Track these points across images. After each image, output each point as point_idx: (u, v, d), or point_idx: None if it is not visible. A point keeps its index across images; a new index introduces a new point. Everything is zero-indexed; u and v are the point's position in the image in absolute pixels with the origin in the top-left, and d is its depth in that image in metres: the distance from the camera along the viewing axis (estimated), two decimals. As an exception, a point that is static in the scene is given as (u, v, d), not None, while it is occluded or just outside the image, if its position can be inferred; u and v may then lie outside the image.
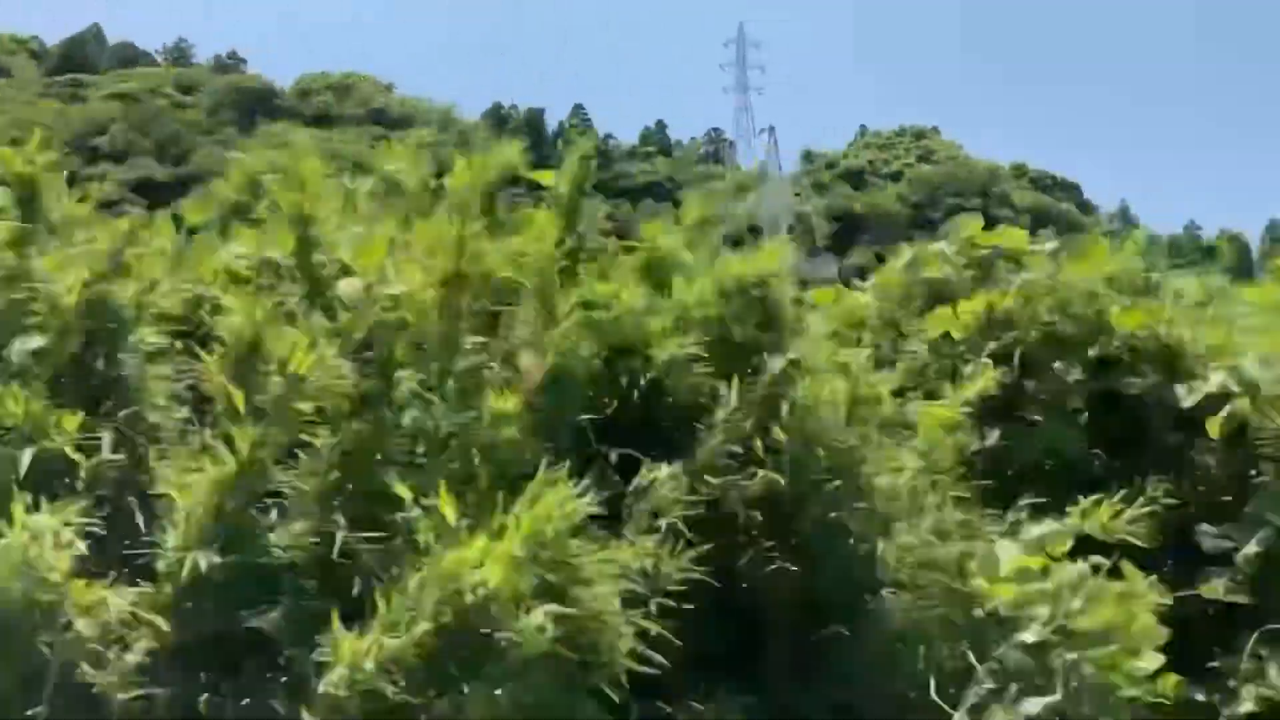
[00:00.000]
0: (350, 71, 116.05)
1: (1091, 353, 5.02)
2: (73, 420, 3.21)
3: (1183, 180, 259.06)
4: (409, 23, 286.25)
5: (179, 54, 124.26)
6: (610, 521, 3.37)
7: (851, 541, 3.58)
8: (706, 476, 3.71)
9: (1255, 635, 3.98)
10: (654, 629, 3.05)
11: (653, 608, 3.12)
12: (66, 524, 2.85)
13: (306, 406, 3.23)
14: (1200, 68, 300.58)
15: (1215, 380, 4.62)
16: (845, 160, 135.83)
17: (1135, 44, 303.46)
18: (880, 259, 6.48)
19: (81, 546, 2.84)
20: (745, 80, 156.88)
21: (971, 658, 3.33)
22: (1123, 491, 3.76)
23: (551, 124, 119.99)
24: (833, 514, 3.58)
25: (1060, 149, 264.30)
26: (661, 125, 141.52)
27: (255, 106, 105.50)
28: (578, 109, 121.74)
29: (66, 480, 3.12)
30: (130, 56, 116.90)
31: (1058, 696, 3.16)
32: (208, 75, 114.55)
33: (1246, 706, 3.92)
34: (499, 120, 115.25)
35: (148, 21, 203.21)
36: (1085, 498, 3.74)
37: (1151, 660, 3.27)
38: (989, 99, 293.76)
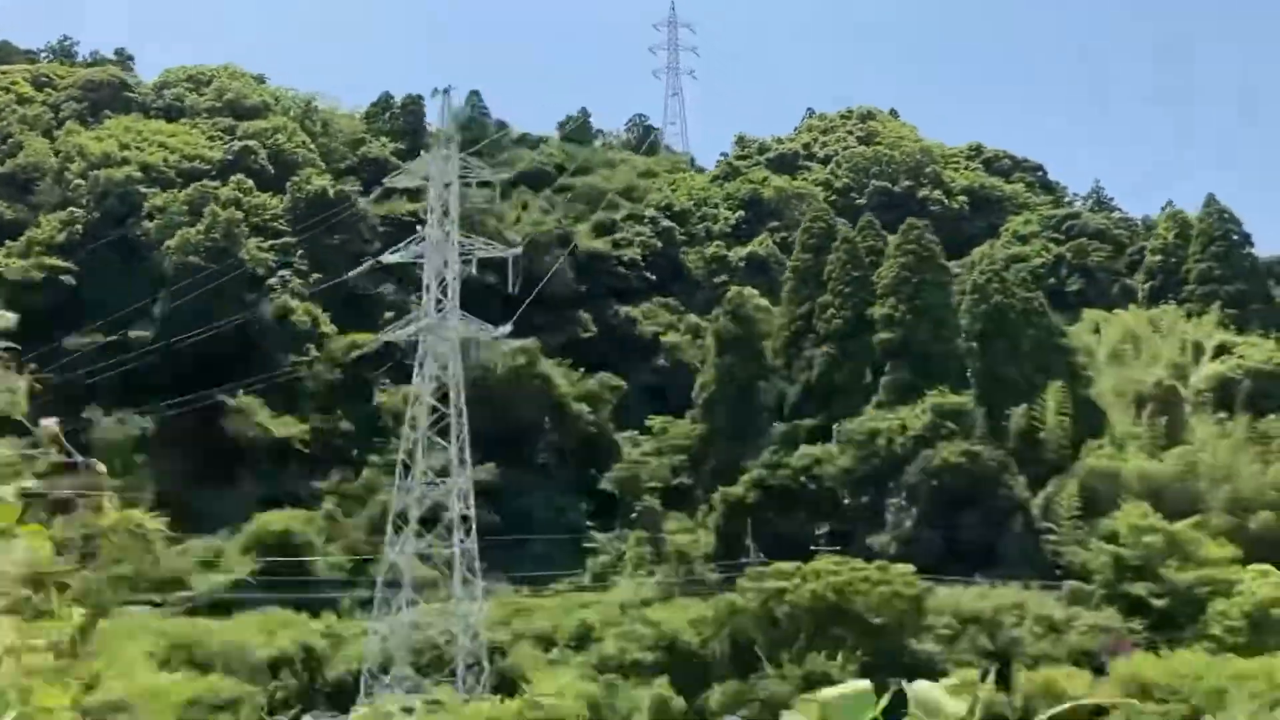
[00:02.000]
0: (228, 64, 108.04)
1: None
2: None
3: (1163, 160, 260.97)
4: (330, 13, 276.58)
5: (63, 51, 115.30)
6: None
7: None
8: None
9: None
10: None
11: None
12: None
13: None
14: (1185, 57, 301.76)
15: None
16: (780, 145, 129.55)
17: (1121, 35, 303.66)
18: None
19: None
20: (677, 64, 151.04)
21: None
22: None
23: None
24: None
25: (1036, 132, 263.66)
26: (584, 113, 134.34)
27: (109, 101, 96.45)
28: (473, 95, 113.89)
29: None
30: (4, 54, 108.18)
31: None
32: (70, 71, 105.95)
33: None
34: (384, 108, 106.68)
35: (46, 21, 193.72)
36: None
37: None
38: (957, 81, 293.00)
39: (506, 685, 43.08)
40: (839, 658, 42.98)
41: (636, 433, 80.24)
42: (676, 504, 73.72)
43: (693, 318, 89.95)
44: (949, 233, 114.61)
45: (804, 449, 70.97)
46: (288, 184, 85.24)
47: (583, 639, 47.92)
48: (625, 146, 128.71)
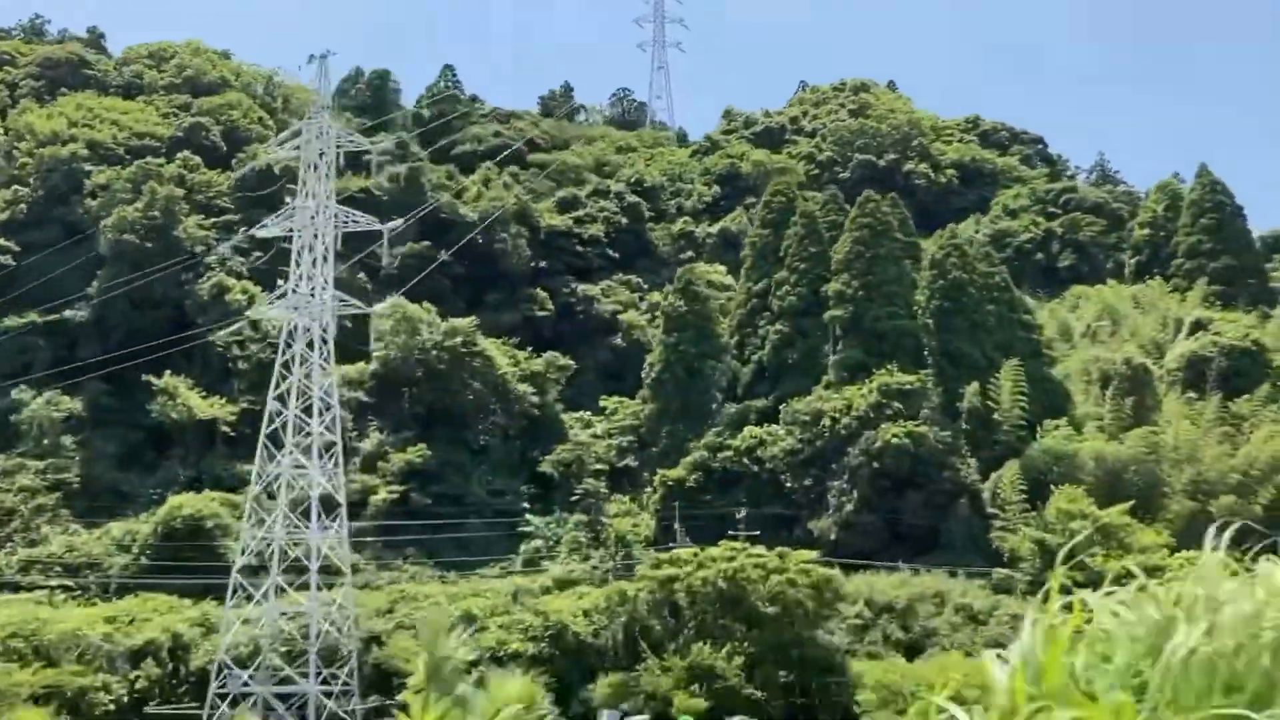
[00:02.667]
0: (191, 40, 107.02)
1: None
2: None
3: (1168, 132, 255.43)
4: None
5: (33, 30, 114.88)
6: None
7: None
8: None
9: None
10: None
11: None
12: None
13: None
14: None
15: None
16: (769, 119, 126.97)
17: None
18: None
19: None
20: (664, 36, 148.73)
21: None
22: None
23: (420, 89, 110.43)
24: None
25: (1041, 106, 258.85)
26: (567, 87, 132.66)
27: (67, 79, 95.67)
28: (446, 70, 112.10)
29: None
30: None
31: None
32: (32, 49, 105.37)
33: None
34: (354, 83, 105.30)
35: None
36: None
37: None
38: (959, 54, 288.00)
39: (380, 677, 41.65)
40: (725, 649, 41.13)
41: (589, 414, 78.54)
42: (622, 487, 72.06)
43: (657, 296, 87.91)
44: (936, 207, 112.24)
45: (749, 430, 68.97)
46: (234, 160, 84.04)
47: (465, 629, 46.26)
48: (609, 122, 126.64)
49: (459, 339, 71.32)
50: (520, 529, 66.20)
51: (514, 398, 72.27)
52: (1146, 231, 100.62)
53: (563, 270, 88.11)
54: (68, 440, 67.40)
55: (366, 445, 68.22)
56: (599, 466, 72.12)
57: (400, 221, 61.58)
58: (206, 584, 54.38)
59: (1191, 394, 72.73)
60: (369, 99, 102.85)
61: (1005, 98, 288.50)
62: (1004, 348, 71.35)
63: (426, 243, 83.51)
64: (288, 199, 56.93)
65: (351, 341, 75.35)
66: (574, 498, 69.01)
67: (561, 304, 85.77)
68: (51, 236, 77.73)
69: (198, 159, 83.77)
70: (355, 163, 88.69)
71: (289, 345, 52.95)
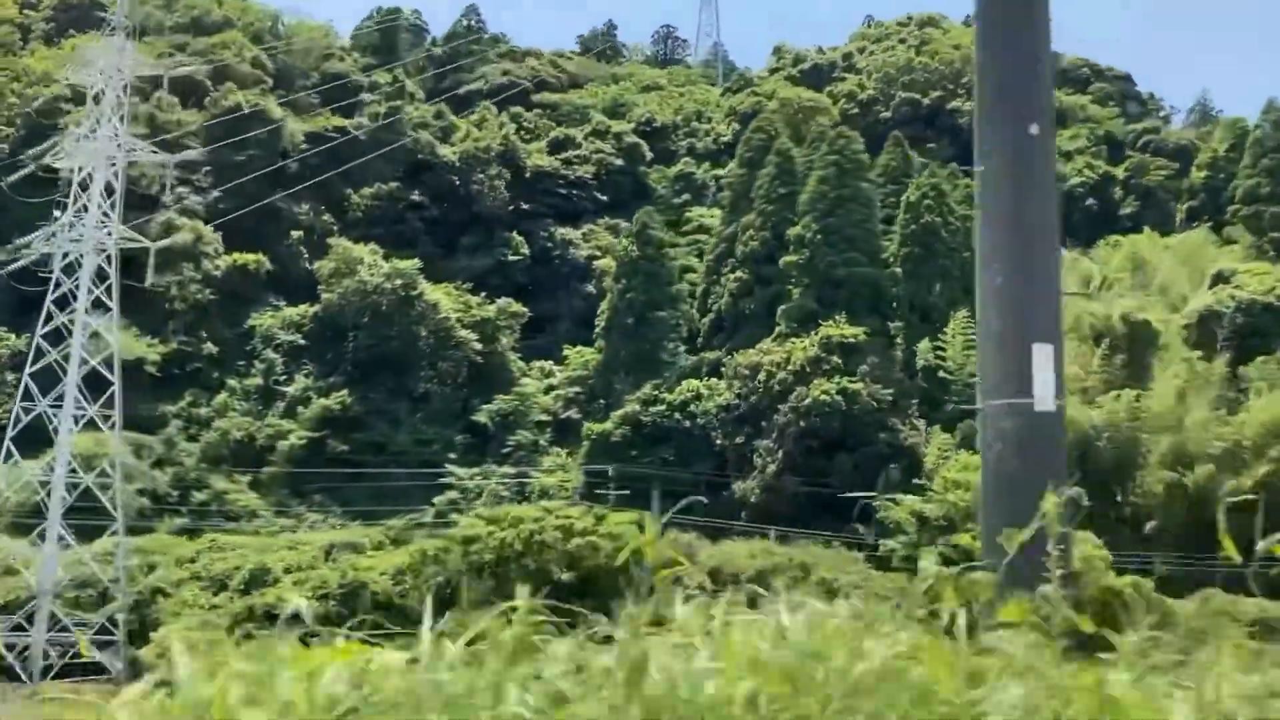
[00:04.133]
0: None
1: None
2: None
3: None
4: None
5: None
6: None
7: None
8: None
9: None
10: None
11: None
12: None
13: None
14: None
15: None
16: (821, 56, 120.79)
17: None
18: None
19: None
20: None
21: None
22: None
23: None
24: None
25: (1145, 45, 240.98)
26: (610, 26, 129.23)
27: (77, 21, 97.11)
28: (469, 9, 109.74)
29: None
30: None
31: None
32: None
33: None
34: (381, 22, 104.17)
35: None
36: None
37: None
38: None
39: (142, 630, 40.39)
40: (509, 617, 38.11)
41: (553, 364, 75.82)
42: (566, 440, 69.29)
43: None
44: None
45: (687, 383, 65.19)
46: (205, 100, 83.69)
47: (253, 583, 44.53)
48: (649, 61, 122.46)
49: (399, 282, 69.34)
50: (442, 480, 64.24)
51: (456, 344, 70.06)
52: (1204, 174, 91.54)
53: (547, 213, 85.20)
54: None
55: (292, 390, 67.16)
56: (543, 418, 69.52)
57: (194, 153, 59.61)
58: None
59: (1200, 354, 65.52)
60: (377, 38, 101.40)
61: (1110, 34, 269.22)
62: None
63: (395, 184, 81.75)
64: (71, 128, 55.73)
65: (302, 284, 74.54)
66: (505, 450, 66.68)
67: (539, 248, 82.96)
68: (28, 178, 78.83)
69: (173, 99, 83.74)
70: (340, 102, 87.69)
71: (71, 279, 51.68)
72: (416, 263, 71.62)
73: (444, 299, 71.64)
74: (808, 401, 58.82)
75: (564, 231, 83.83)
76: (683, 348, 71.30)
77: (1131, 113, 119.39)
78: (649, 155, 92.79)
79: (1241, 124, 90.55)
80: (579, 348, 75.41)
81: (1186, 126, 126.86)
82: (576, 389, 70.73)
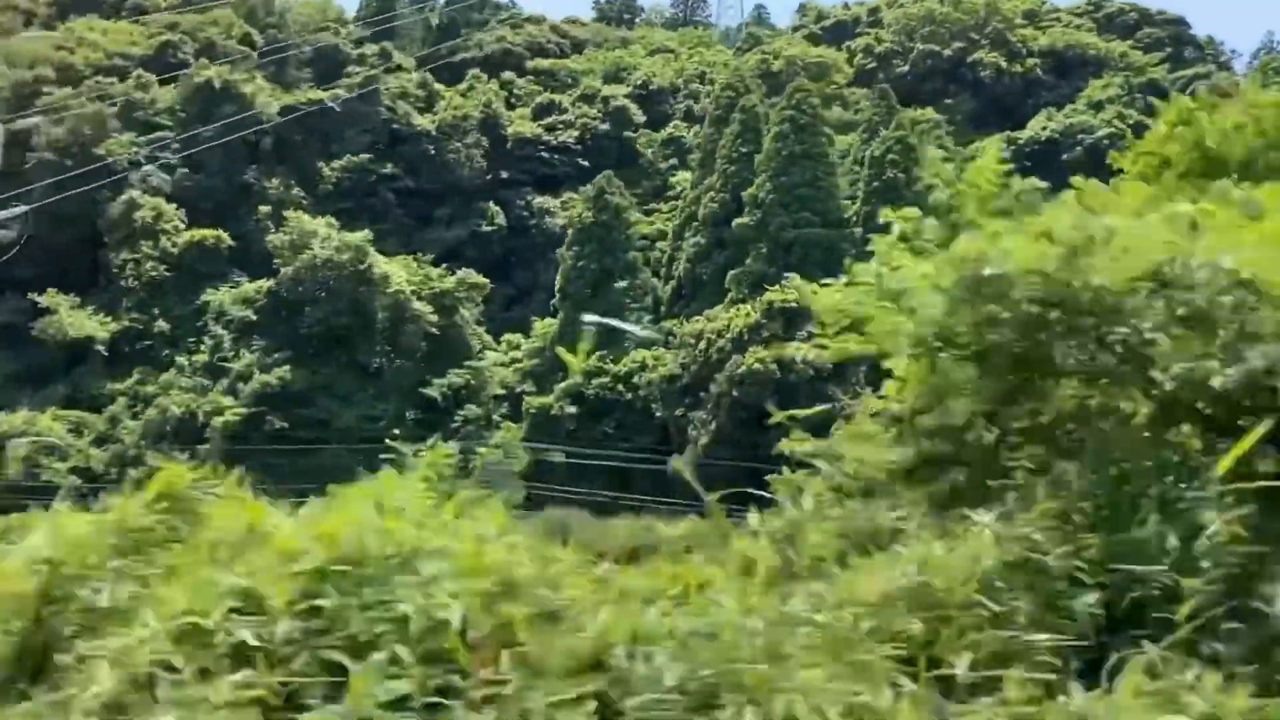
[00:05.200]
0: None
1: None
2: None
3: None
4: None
5: None
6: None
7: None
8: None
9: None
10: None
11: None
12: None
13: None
14: None
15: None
16: (846, 11, 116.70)
17: None
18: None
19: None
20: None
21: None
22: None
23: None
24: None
25: None
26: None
27: (82, 3, 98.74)
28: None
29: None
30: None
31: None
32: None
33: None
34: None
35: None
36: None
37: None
38: None
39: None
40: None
41: (521, 336, 74.29)
42: (518, 415, 67.75)
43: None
44: (1012, 101, 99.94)
45: (636, 353, 63.04)
46: (180, 76, 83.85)
47: None
48: (668, 24, 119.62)
49: (346, 255, 68.44)
50: (383, 456, 63.13)
51: (411, 318, 68.95)
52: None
53: (526, 182, 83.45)
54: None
55: (238, 366, 66.88)
56: (500, 392, 68.12)
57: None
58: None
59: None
60: (375, 9, 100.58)
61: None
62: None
63: (367, 155, 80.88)
64: None
65: (267, 259, 74.32)
66: (454, 425, 65.43)
67: (516, 218, 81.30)
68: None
69: (150, 76, 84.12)
70: (331, 76, 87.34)
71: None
72: (368, 234, 70.63)
73: (399, 271, 70.57)
74: (742, 370, 56.22)
75: (542, 200, 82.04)
76: (647, 317, 69.07)
77: (1189, 58, 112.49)
78: (641, 119, 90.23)
79: (1276, 63, 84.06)
80: (547, 320, 73.76)
81: (1252, 72, 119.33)
82: (536, 362, 69.10)
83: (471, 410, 65.79)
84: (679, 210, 71.95)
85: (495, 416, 66.90)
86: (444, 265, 77.83)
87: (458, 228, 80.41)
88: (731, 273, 62.91)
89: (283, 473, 62.53)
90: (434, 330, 69.69)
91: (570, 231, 70.33)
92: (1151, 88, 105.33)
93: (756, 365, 55.76)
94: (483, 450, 43.10)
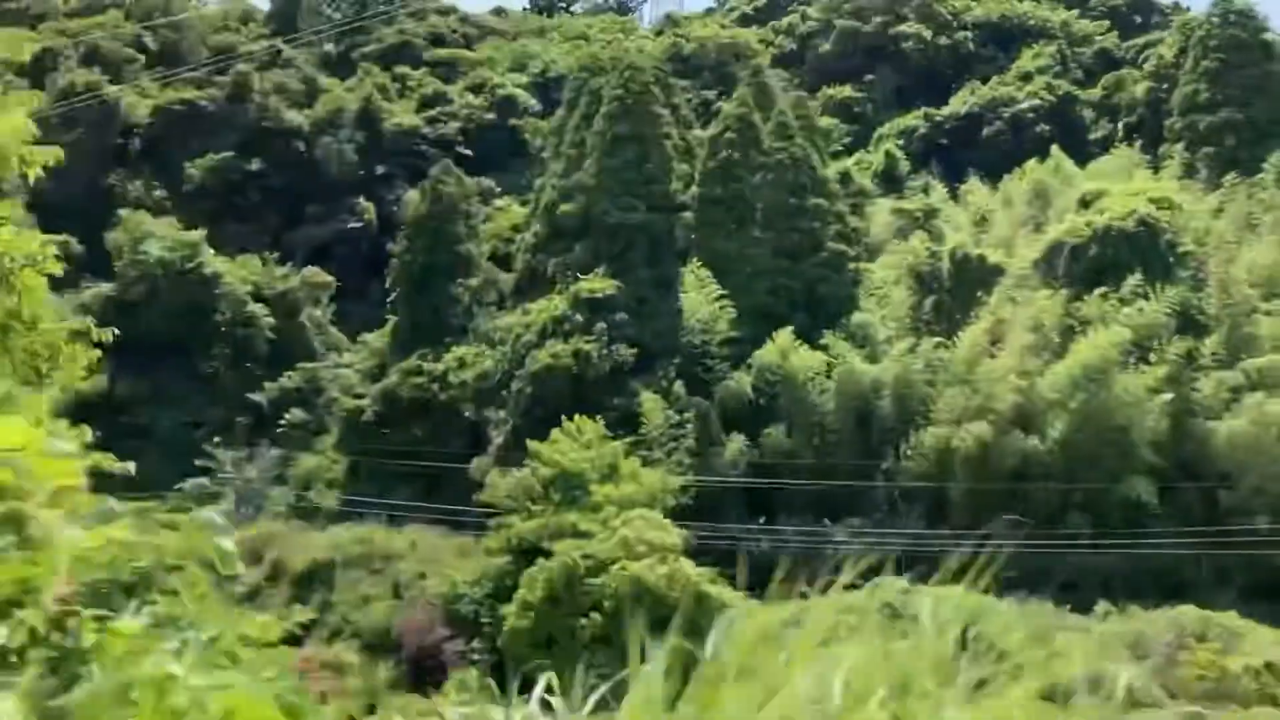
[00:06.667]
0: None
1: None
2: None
3: None
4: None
5: None
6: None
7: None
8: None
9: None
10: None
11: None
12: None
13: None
14: None
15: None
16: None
17: None
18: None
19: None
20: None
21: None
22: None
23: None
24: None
25: None
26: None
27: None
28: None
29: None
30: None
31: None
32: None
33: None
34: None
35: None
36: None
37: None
38: None
39: None
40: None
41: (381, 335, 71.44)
42: (355, 418, 64.86)
43: (507, 200, 78.73)
44: (943, 77, 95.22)
45: (455, 352, 59.91)
46: (45, 80, 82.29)
47: None
48: (599, 13, 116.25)
49: (178, 255, 66.13)
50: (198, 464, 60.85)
51: (242, 321, 66.48)
52: (1147, 85, 79.99)
53: (402, 176, 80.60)
54: None
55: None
56: (336, 395, 65.35)
57: None
58: None
59: (1048, 294, 56.16)
60: (278, 5, 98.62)
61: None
62: (793, 248, 57.84)
63: (229, 153, 78.62)
64: None
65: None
66: (279, 430, 62.88)
67: (389, 213, 78.49)
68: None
69: (23, 82, 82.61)
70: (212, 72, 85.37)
71: None
72: (202, 233, 68.26)
73: (236, 271, 68.13)
74: (537, 367, 52.83)
75: (413, 194, 79.08)
76: (495, 311, 65.88)
77: (1154, 24, 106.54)
78: (538, 108, 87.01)
79: (1190, 23, 78.46)
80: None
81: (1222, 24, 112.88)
82: (374, 362, 66.23)
83: (297, 415, 63.08)
84: (531, 200, 68.65)
85: (327, 420, 64.15)
86: (312, 264, 75.52)
87: (327, 225, 77.90)
88: (553, 261, 59.50)
89: (98, 483, 60.61)
90: (269, 333, 67.17)
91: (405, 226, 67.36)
92: (1102, 57, 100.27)
93: (549, 360, 52.34)
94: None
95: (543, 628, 34.08)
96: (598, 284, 55.08)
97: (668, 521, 37.67)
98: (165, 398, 65.16)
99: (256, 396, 64.23)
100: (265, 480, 59.79)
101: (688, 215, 59.58)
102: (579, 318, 53.95)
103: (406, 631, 37.48)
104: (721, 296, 54.30)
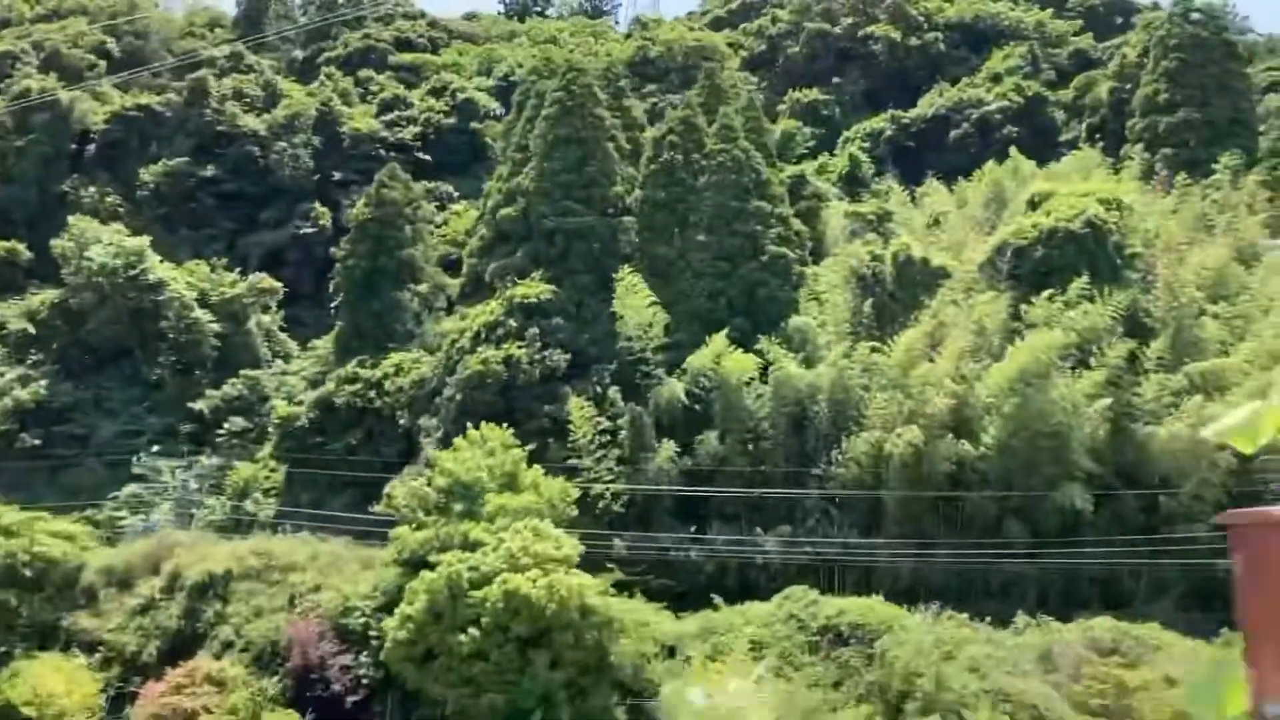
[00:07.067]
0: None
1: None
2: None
3: None
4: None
5: None
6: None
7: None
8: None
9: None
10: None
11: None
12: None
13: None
14: None
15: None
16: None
17: None
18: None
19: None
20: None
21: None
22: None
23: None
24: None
25: None
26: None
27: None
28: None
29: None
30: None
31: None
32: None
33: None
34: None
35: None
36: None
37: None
38: None
39: None
40: None
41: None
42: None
43: (465, 205, 77.93)
44: (913, 78, 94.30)
45: (396, 357, 59.06)
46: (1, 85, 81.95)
47: None
48: (575, 14, 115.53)
49: (120, 262, 65.39)
50: (135, 471, 60.07)
51: (186, 327, 65.71)
52: (1110, 85, 78.91)
53: (359, 181, 79.78)
54: None
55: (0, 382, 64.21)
56: (278, 403, 64.51)
57: None
58: None
59: (991, 296, 55.02)
60: (246, 8, 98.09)
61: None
62: (733, 251, 56.76)
63: (184, 158, 77.98)
64: None
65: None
66: (218, 439, 62.10)
67: (344, 219, 77.65)
68: None
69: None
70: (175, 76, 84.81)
71: None
72: (146, 239, 67.52)
73: (182, 277, 67.39)
74: (468, 373, 51.92)
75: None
76: (443, 317, 65.03)
77: (1133, 25, 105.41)
78: (497, 111, 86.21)
79: (1154, 22, 77.32)
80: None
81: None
82: (319, 369, 65.41)
83: (237, 423, 62.27)
84: (480, 204, 67.83)
85: (270, 429, 63.30)
86: (266, 270, 74.81)
87: (282, 230, 77.21)
88: (492, 265, 58.61)
89: (37, 488, 59.97)
90: (216, 340, 66.38)
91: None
92: (1078, 58, 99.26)
93: (479, 366, 51.42)
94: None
95: (423, 642, 33.19)
96: (532, 289, 54.19)
97: (559, 532, 36.66)
98: (107, 405, 64.47)
99: (198, 404, 63.43)
100: (202, 489, 58.98)
101: (631, 219, 58.55)
102: (512, 323, 53.02)
103: (293, 645, 36.67)
104: (655, 302, 53.26)
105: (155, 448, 61.20)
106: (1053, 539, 46.35)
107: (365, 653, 35.88)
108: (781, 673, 33.99)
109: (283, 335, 70.95)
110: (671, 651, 36.18)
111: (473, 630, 32.29)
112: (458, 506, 37.26)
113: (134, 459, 59.77)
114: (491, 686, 32.14)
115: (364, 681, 35.28)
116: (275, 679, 36.10)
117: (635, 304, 52.90)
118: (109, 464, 60.56)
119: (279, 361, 68.21)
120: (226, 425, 62.07)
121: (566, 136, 59.00)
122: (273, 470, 59.76)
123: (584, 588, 33.33)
